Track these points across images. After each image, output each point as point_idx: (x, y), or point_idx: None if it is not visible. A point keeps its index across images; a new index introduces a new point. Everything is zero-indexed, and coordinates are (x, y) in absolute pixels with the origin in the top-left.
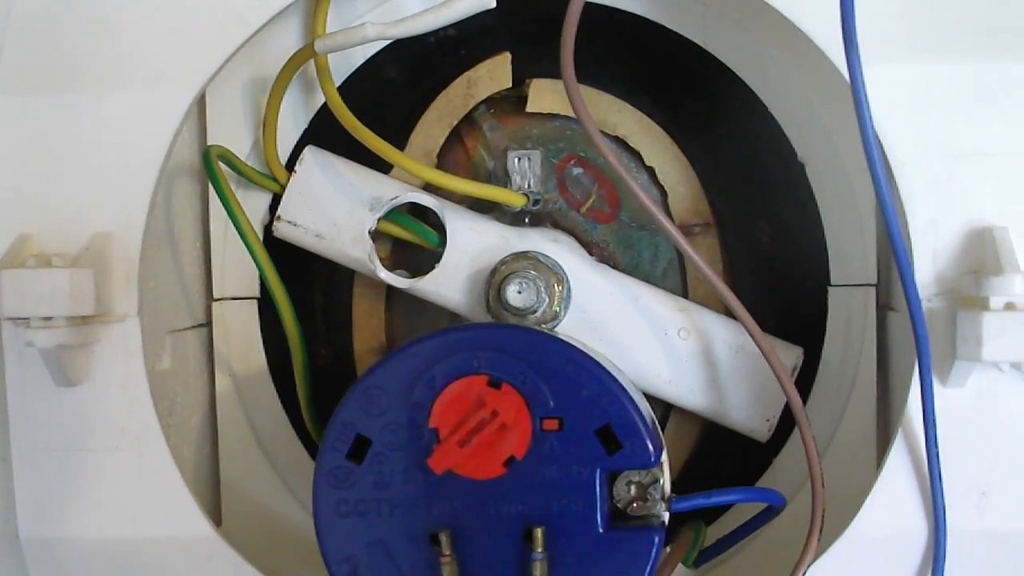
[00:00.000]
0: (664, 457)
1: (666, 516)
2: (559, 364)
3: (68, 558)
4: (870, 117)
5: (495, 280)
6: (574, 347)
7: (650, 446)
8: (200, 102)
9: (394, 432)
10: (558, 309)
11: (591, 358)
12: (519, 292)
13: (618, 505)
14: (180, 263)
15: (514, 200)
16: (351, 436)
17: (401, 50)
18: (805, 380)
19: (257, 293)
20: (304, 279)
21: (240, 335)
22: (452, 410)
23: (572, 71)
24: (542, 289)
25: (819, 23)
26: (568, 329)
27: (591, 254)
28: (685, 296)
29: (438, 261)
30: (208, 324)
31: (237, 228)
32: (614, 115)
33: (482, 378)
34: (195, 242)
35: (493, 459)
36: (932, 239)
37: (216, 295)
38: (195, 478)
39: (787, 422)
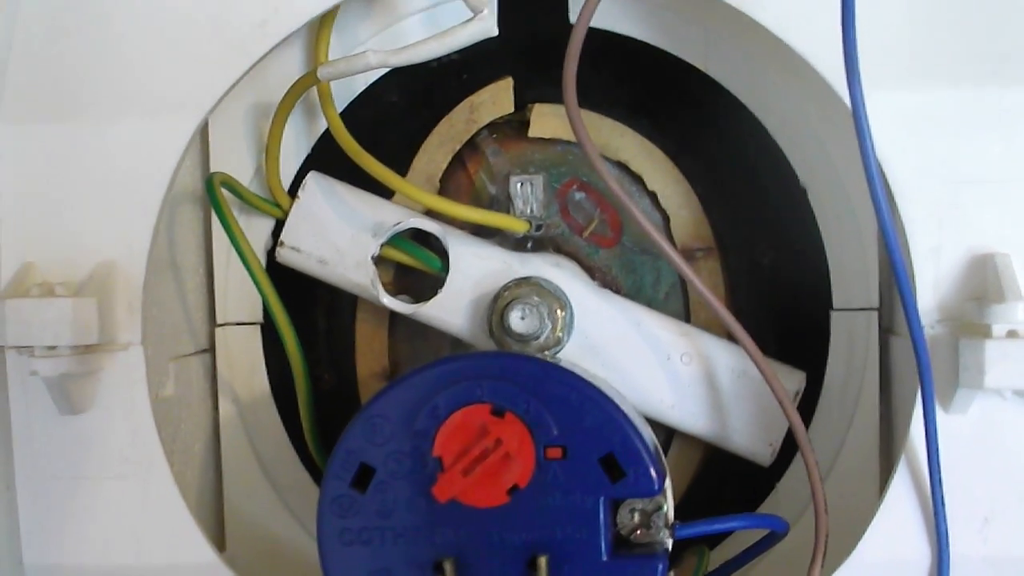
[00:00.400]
0: (668, 484)
1: (670, 543)
2: (562, 392)
3: None
4: (872, 144)
5: (498, 306)
6: (577, 375)
7: (653, 474)
8: (203, 129)
9: (398, 461)
10: (561, 335)
11: (594, 386)
12: (522, 318)
13: (622, 532)
14: (183, 289)
15: (516, 226)
16: (355, 465)
17: (404, 75)
18: (807, 404)
19: (260, 318)
20: (307, 304)
21: (243, 360)
22: (456, 439)
23: (574, 97)
24: (545, 315)
25: (820, 49)
26: (571, 355)
27: (593, 279)
28: (688, 320)
29: (441, 287)
30: (211, 350)
31: (240, 255)
32: (616, 140)
33: (485, 407)
34: (198, 268)
35: (497, 487)
36: (934, 266)
37: (219, 321)
38: (199, 504)
39: (790, 446)
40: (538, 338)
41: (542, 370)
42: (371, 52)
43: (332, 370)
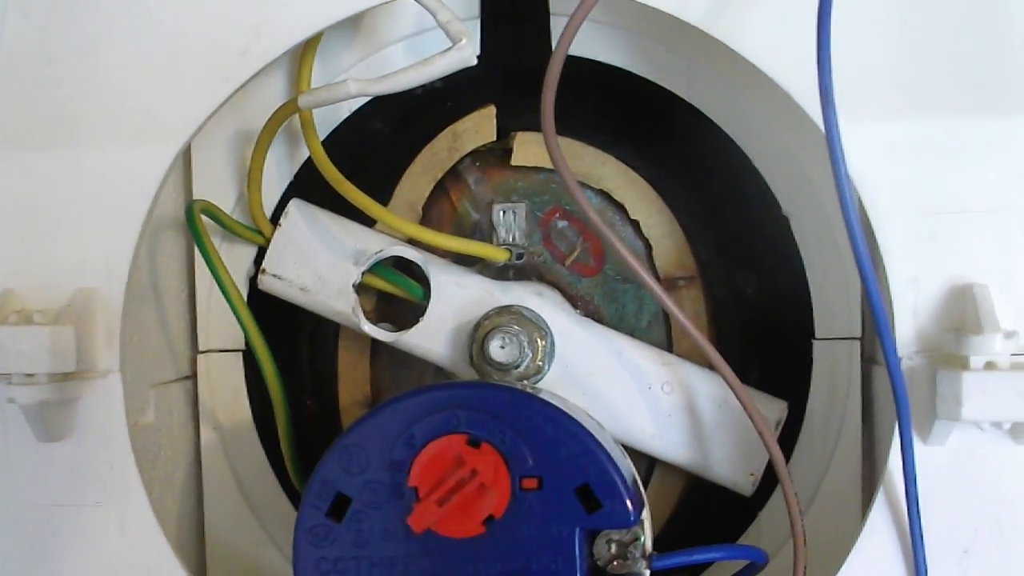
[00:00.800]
0: (646, 514)
1: (647, 574)
2: (538, 423)
3: None
4: (846, 173)
5: (478, 335)
6: (554, 406)
7: (630, 505)
8: (185, 155)
9: (374, 490)
10: (541, 363)
11: (571, 417)
12: (502, 347)
13: (598, 563)
14: (165, 316)
15: (496, 255)
16: (331, 494)
17: (387, 102)
18: (789, 433)
19: (242, 345)
20: (290, 331)
21: (225, 387)
22: (432, 469)
23: (552, 126)
24: (525, 344)
25: (799, 79)
26: (551, 383)
27: (576, 308)
28: (670, 349)
29: (422, 315)
30: (193, 376)
31: (219, 284)
32: (598, 168)
33: (462, 437)
34: (180, 294)
35: (472, 518)
36: (913, 296)
37: (201, 347)
38: (179, 530)
39: (772, 476)
40: (518, 367)
41: (518, 400)
42: (351, 81)
43: (314, 397)
